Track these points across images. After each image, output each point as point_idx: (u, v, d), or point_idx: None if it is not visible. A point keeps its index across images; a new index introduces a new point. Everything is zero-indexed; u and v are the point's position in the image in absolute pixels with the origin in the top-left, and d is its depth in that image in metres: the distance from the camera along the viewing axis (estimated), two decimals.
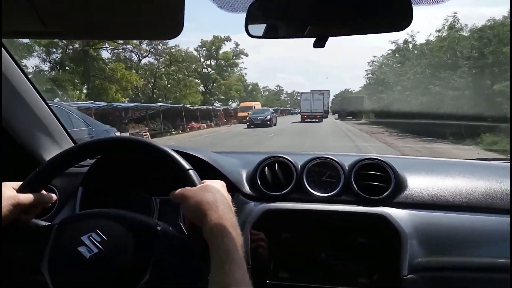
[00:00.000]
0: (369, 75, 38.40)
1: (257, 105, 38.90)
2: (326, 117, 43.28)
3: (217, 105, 46.85)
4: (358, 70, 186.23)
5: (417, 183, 1.28)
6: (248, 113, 31.58)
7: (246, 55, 54.49)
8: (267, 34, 0.86)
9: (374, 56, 39.89)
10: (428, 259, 1.12)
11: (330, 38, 0.77)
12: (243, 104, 40.05)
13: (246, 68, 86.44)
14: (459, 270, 1.13)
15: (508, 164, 1.49)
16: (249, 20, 0.81)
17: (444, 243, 1.15)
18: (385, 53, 33.03)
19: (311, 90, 43.35)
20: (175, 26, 0.67)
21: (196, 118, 28.64)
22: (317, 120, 35.76)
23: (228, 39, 49.86)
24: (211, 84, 50.61)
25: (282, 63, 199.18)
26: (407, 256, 1.11)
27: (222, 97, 52.64)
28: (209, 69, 51.27)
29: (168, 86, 35.41)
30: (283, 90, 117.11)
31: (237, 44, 55.21)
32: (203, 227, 0.72)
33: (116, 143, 0.92)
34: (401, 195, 1.24)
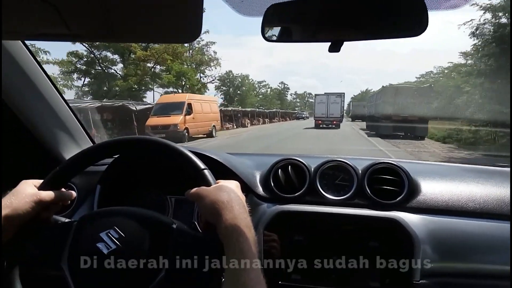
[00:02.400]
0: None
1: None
2: (341, 121, 35.78)
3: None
4: (369, 74, 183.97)
5: (431, 188, 1.27)
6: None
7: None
8: (283, 38, 0.87)
9: None
10: (441, 264, 1.12)
11: (344, 43, 0.78)
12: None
13: (215, 43, 57.85)
14: (472, 277, 1.12)
15: None
16: (265, 24, 0.82)
17: (457, 249, 1.14)
18: None
19: (325, 93, 35.75)
20: (193, 29, 0.68)
21: None
22: (333, 126, 31.75)
23: None
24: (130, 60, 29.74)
25: (295, 66, 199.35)
26: (420, 261, 1.11)
27: (154, 86, 30.99)
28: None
29: None
30: (288, 89, 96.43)
31: None
32: (218, 226, 0.73)
33: (134, 143, 0.94)
34: (414, 200, 1.24)
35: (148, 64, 29.93)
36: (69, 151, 1.47)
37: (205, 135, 20.22)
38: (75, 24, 0.66)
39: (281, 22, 0.86)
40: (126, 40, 0.78)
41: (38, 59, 1.31)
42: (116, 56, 30.89)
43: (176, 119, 17.66)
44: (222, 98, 58.09)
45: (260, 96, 75.38)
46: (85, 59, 29.80)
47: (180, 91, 31.02)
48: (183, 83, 31.73)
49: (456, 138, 16.32)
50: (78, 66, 29.62)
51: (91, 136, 1.62)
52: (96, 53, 29.96)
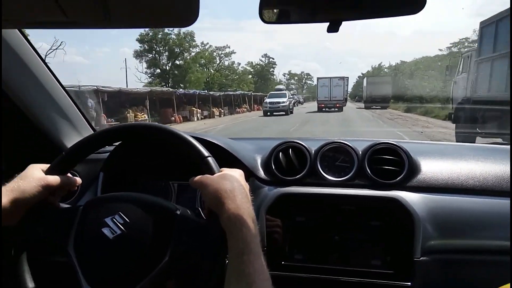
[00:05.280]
0: None
1: None
2: (345, 105, 35.84)
3: None
4: (372, 57, 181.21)
5: (431, 167, 1.28)
6: None
7: None
8: (280, 19, 0.86)
9: None
10: (441, 241, 1.13)
11: (344, 25, 0.77)
12: None
13: None
14: (472, 253, 1.14)
15: None
16: (263, 5, 0.81)
17: (457, 226, 1.15)
18: None
19: (327, 77, 35.42)
20: (191, 13, 0.68)
21: None
22: (336, 109, 31.20)
23: None
24: None
25: (295, 49, 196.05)
26: (420, 239, 1.12)
27: None
28: None
29: None
30: (275, 64, 68.30)
31: None
32: (221, 215, 0.73)
33: (136, 129, 0.94)
34: (414, 179, 1.25)
35: None
36: (71, 140, 1.47)
37: None
38: (72, 11, 0.66)
39: (279, 2, 0.85)
40: (123, 26, 0.78)
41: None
42: None
43: None
44: (147, 72, 36.86)
45: (219, 66, 47.98)
46: None
47: None
48: None
49: None
50: None
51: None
52: None
